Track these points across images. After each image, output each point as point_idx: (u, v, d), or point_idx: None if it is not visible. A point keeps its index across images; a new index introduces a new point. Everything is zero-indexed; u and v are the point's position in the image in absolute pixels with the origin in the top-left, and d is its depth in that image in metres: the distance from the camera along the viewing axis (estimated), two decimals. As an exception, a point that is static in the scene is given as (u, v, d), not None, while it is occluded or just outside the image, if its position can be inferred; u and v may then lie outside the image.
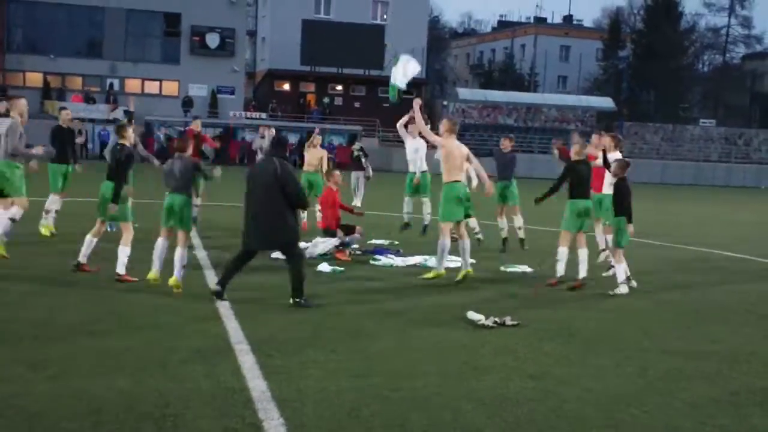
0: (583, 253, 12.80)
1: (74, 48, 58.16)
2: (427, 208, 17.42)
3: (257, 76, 71.56)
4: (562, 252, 12.81)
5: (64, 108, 16.94)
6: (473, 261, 13.45)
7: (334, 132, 56.30)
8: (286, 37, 62.57)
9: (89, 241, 12.05)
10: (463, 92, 69.39)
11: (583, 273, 12.72)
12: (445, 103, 70.29)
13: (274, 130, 18.51)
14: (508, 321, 9.99)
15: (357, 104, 64.35)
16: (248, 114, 57.78)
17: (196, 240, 15.62)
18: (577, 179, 12.95)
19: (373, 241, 16.69)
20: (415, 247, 16.08)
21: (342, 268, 13.50)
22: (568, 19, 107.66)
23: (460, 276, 12.74)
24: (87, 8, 57.66)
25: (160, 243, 11.31)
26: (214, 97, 58.83)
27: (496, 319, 9.96)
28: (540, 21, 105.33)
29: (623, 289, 12.57)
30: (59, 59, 56.92)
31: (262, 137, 19.31)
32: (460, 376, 7.75)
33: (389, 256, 14.91)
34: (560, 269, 12.86)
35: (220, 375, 7.34)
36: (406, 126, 16.70)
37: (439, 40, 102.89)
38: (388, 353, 8.43)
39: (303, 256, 11.04)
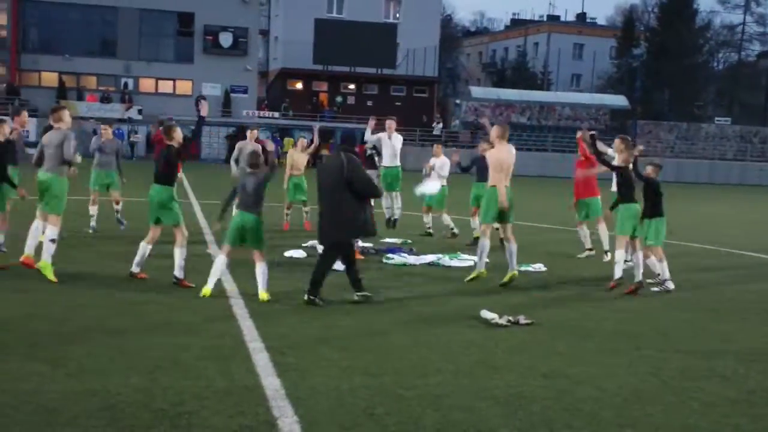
0: (638, 257, 12.73)
1: (89, 47, 58.34)
2: (397, 202, 17.75)
3: (270, 75, 71.63)
4: (620, 255, 12.73)
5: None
6: (487, 261, 13.45)
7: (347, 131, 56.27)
8: (299, 37, 62.62)
9: (144, 247, 11.74)
10: (476, 91, 69.26)
11: (638, 276, 12.61)
12: (458, 101, 70.24)
13: (256, 132, 18.19)
14: (522, 320, 9.99)
15: (369, 103, 64.23)
16: (261, 113, 57.85)
17: (209, 238, 15.68)
18: (628, 184, 12.94)
19: (386, 240, 16.70)
20: (427, 245, 16.09)
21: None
22: (581, 17, 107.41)
23: (506, 278, 12.62)
24: (100, 8, 57.82)
25: (221, 259, 10.88)
26: (227, 97, 58.95)
27: (510, 318, 9.96)
28: (553, 19, 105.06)
29: (670, 285, 12.92)
30: (74, 59, 57.08)
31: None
32: (473, 374, 7.75)
33: (402, 254, 14.91)
34: (618, 272, 12.70)
35: (234, 373, 7.37)
36: (372, 132, 17.06)
37: (451, 38, 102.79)
38: (401, 351, 8.44)
39: (336, 259, 11.02)
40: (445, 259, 14.57)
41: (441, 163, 17.94)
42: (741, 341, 9.77)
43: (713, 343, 9.58)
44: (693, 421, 6.72)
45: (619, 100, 67.32)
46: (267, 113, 57.76)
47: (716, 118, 72.78)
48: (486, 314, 10.11)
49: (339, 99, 63.92)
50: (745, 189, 54.90)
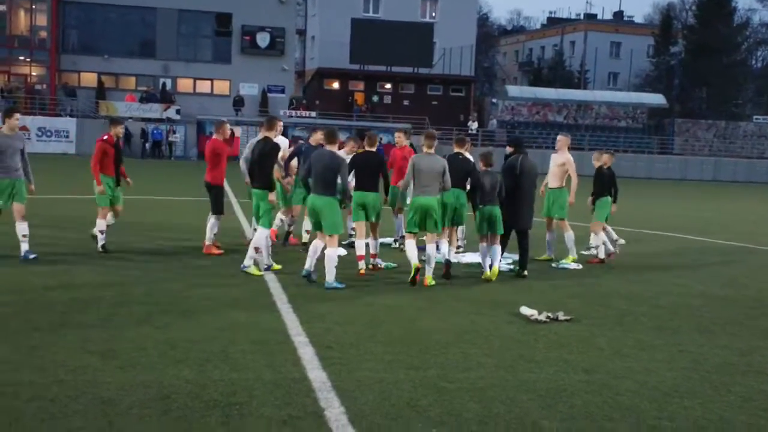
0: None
1: (127, 48, 59.01)
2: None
3: (307, 74, 71.99)
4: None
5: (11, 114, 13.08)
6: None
7: (383, 130, 56.40)
8: (336, 36, 62.94)
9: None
10: (513, 90, 69.13)
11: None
12: (494, 100, 70.14)
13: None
14: (561, 316, 10.13)
15: (406, 102, 64.45)
16: (299, 113, 58.13)
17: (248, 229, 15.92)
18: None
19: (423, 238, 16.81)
20: (466, 245, 16.18)
21: (395, 264, 13.68)
22: (618, 15, 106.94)
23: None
24: (140, 9, 58.46)
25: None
26: (264, 96, 59.31)
27: (549, 314, 10.10)
28: (590, 17, 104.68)
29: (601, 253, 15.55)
30: (113, 59, 57.77)
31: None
32: (514, 368, 7.90)
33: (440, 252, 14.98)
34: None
35: (281, 366, 7.57)
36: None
37: (488, 37, 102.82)
38: (443, 346, 8.60)
39: None
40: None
41: None
42: (780, 338, 9.84)
43: (752, 339, 9.65)
44: (730, 415, 6.83)
45: (657, 99, 66.97)
46: (305, 112, 57.95)
47: (755, 117, 72.09)
48: (525, 311, 10.25)
49: (375, 98, 64.09)
50: (785, 188, 54.40)
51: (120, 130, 14.12)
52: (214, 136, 14.50)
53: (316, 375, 7.33)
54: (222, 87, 59.94)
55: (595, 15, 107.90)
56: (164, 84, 58.22)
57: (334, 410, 6.46)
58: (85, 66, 58.02)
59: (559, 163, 15.35)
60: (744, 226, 24.75)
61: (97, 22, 58.53)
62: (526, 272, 13.34)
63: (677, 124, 66.15)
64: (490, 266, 12.96)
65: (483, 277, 12.94)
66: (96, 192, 13.72)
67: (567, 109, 64.45)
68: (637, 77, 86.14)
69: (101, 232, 13.75)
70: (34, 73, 58.63)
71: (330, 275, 11.51)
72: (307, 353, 8.03)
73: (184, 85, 59.74)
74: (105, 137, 13.88)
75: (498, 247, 13.04)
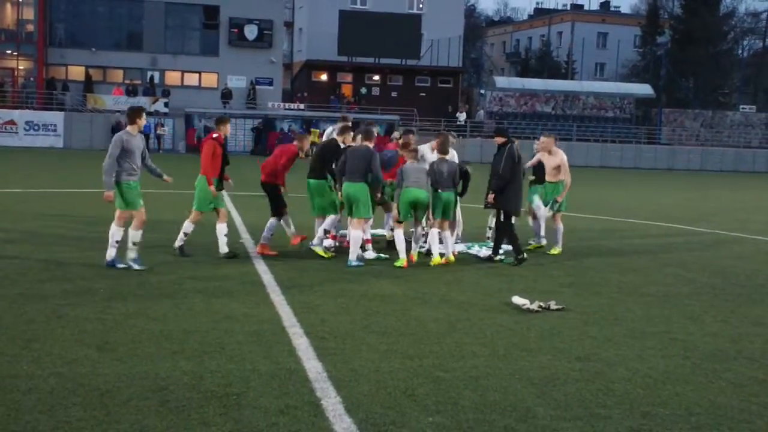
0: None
1: (115, 41, 58.91)
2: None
3: (294, 67, 71.91)
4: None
5: None
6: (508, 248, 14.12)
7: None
8: (324, 28, 62.93)
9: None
10: (501, 80, 69.10)
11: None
12: (482, 91, 70.18)
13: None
14: (553, 305, 10.21)
15: (394, 94, 64.46)
16: (288, 105, 58.13)
17: (239, 223, 15.95)
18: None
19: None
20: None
21: (386, 255, 13.74)
22: (605, 5, 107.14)
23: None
24: (127, 1, 58.41)
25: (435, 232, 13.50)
26: (252, 89, 59.20)
27: (541, 304, 10.18)
28: (577, 8, 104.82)
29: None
30: (100, 52, 57.62)
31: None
32: (508, 357, 7.98)
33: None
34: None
35: (277, 356, 7.62)
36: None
37: (475, 28, 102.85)
38: (438, 336, 8.67)
39: None
40: (475, 248, 14.77)
41: None
42: (769, 325, 9.94)
43: (742, 327, 9.75)
44: (722, 401, 6.92)
45: (644, 89, 67.13)
46: (294, 105, 57.94)
47: (741, 106, 72.32)
48: (518, 300, 10.33)
49: (363, 90, 64.08)
50: (772, 177, 54.63)
51: (228, 128, 13.31)
52: (295, 143, 13.86)
53: (312, 365, 7.38)
54: (210, 80, 59.84)
55: (582, 5, 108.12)
56: (152, 77, 58.07)
57: (330, 400, 6.51)
58: (73, 59, 57.81)
59: (554, 165, 15.19)
60: (731, 215, 24.91)
61: (84, 15, 58.35)
62: (517, 258, 13.72)
63: (665, 113, 66.34)
64: (442, 254, 13.48)
65: (432, 263, 13.31)
66: (203, 195, 12.94)
67: (554, 99, 64.50)
68: (624, 67, 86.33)
69: (186, 234, 13.02)
70: (21, 67, 58.42)
71: (353, 254, 12.85)
72: (302, 344, 8.08)
73: (172, 77, 59.59)
74: (215, 135, 13.02)
75: (449, 233, 13.62)
